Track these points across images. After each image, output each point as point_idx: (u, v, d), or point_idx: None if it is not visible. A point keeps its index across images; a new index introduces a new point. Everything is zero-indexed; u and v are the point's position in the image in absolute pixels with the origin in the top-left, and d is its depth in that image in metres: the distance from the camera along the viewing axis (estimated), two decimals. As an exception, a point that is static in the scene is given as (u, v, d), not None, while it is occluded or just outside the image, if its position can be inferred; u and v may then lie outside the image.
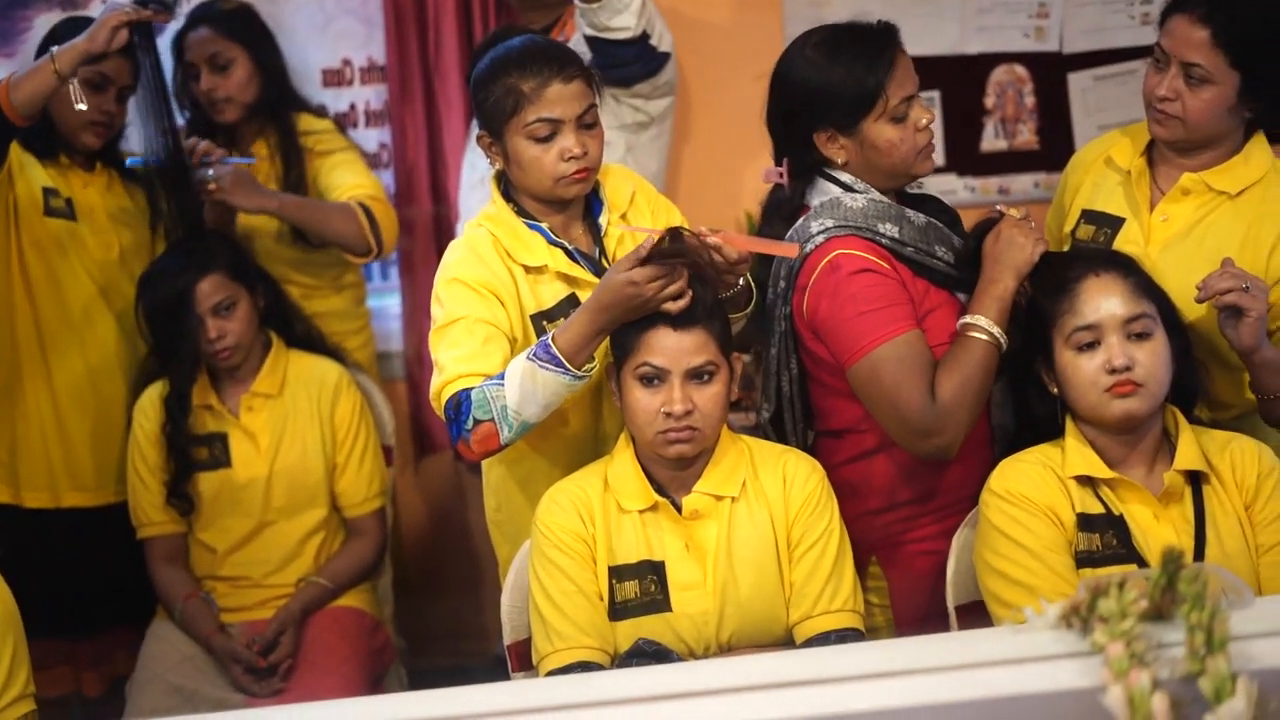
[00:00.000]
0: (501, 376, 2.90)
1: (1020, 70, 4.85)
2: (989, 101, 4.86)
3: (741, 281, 3.04)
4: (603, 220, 3.14)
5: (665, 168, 4.44)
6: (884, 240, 3.01)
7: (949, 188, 4.80)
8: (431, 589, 4.77)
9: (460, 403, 2.92)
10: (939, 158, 4.78)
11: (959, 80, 4.82)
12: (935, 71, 4.70)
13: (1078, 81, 4.82)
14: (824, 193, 3.07)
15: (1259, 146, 3.17)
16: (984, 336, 2.92)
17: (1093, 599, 1.90)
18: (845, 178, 3.07)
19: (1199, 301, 2.94)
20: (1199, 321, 3.07)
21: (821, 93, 3.03)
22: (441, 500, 4.92)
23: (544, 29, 4.12)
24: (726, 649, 2.93)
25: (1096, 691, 1.80)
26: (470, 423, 2.90)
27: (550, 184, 3.03)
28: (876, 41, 3.04)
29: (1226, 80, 3.07)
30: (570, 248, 3.09)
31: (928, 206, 3.16)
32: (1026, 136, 4.87)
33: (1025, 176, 4.83)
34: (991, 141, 4.88)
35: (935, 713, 1.83)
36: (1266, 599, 2.46)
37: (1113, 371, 2.78)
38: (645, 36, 4.06)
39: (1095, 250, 3.02)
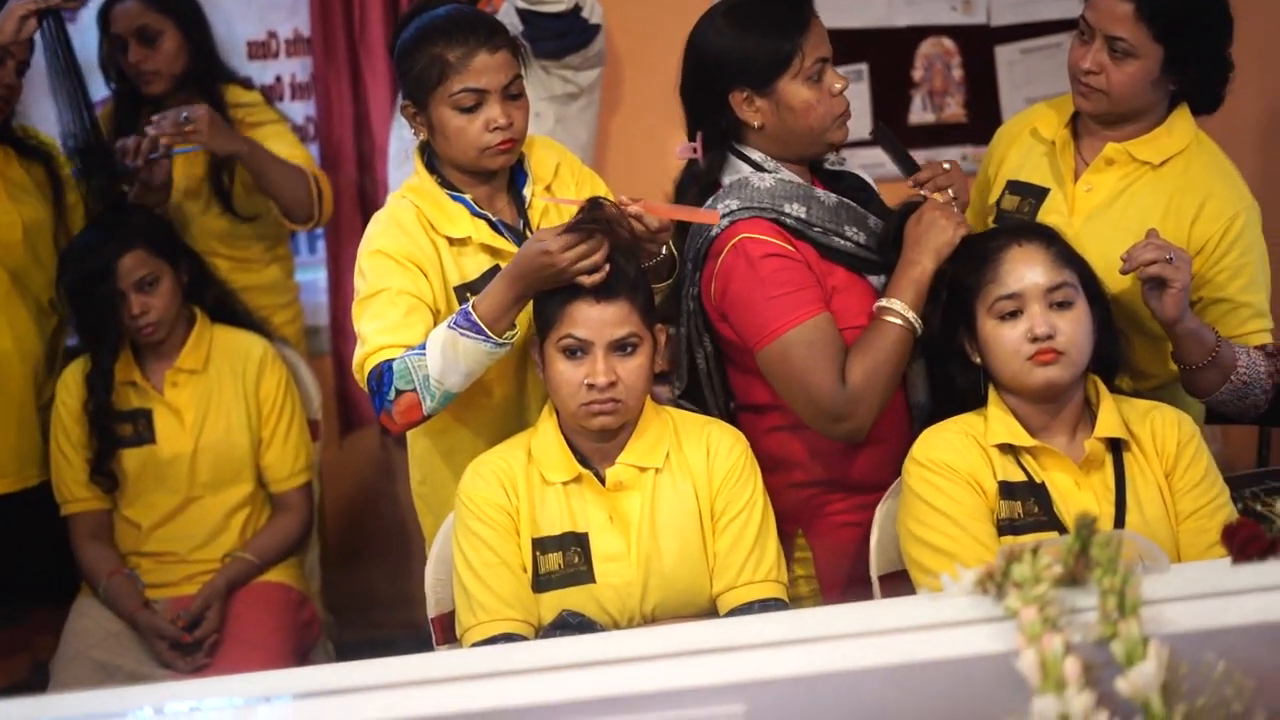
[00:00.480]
0: (423, 347, 2.89)
1: (948, 43, 4.87)
2: (917, 74, 4.88)
3: (664, 251, 3.03)
4: (527, 192, 3.13)
5: (594, 139, 4.43)
6: (789, 221, 3.00)
7: (876, 160, 4.75)
8: (359, 563, 4.76)
9: (382, 374, 2.91)
10: (864, 130, 4.78)
11: (887, 53, 4.84)
12: (863, 44, 4.72)
13: (1005, 54, 4.84)
14: (734, 171, 3.06)
15: (1182, 118, 3.19)
16: (898, 321, 2.92)
17: (1007, 565, 1.90)
18: (756, 155, 3.05)
19: (1124, 273, 2.95)
20: (1122, 292, 3.09)
21: (737, 52, 3.00)
22: (368, 474, 4.91)
23: (471, 0, 4.10)
24: (650, 620, 2.93)
25: (1011, 656, 1.81)
26: (393, 393, 2.89)
27: (475, 155, 3.02)
28: (790, 3, 3.04)
29: (1150, 54, 3.08)
30: (494, 219, 3.07)
31: (844, 183, 3.16)
32: (954, 109, 4.89)
33: (953, 149, 4.84)
34: (919, 114, 4.90)
35: (852, 678, 1.84)
36: (1180, 565, 2.47)
37: (1035, 340, 2.80)
38: (577, 9, 4.05)
39: (1017, 221, 3.03)
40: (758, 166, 3.05)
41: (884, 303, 2.94)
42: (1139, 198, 3.16)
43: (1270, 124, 4.50)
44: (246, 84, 4.45)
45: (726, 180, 3.06)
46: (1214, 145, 3.23)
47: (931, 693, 1.86)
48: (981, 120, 4.78)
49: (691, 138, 3.11)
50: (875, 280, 3.05)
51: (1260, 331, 3.15)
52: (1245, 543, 2.12)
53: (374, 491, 4.91)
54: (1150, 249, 2.92)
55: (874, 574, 3.01)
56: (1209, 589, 1.94)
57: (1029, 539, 2.71)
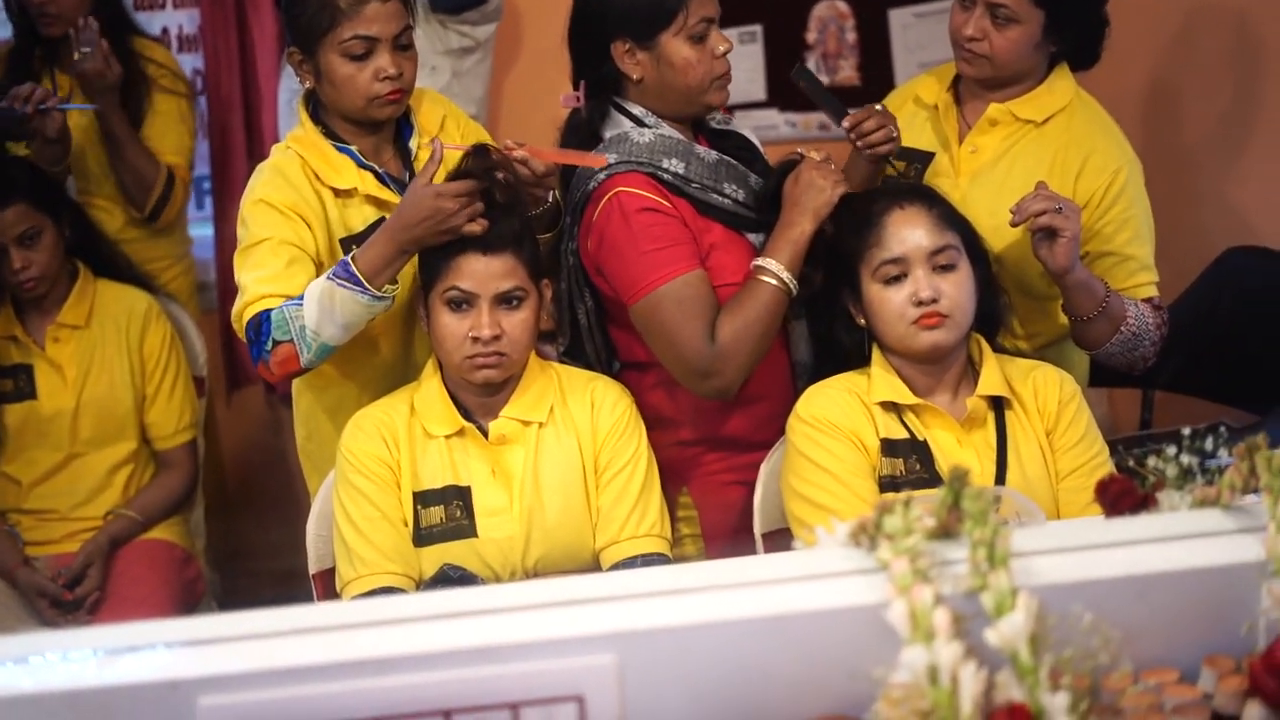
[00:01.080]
0: (303, 298, 2.85)
1: (842, 6, 4.87)
2: (810, 37, 4.88)
3: (550, 199, 3.02)
4: (413, 144, 3.10)
5: (489, 94, 4.40)
6: (666, 176, 2.98)
7: (770, 123, 4.81)
8: (246, 520, 4.70)
9: (261, 323, 2.87)
10: (759, 91, 4.79)
11: (781, 15, 4.83)
12: (757, 6, 4.72)
13: (899, 18, 4.85)
14: (615, 125, 3.04)
15: (1062, 76, 3.22)
16: (773, 281, 2.91)
17: (880, 517, 1.91)
18: (637, 110, 3.03)
19: (1014, 225, 2.97)
20: (1010, 249, 3.11)
21: (622, 2, 2.98)
22: (256, 431, 4.86)
23: None
24: (533, 574, 2.92)
25: (882, 607, 1.81)
26: (270, 344, 2.86)
27: (363, 104, 2.99)
28: None
29: (1031, 18, 3.10)
30: (380, 171, 3.05)
31: (728, 143, 3.14)
32: (848, 73, 4.89)
33: (845, 112, 4.83)
34: (814, 77, 4.88)
35: (723, 629, 1.83)
36: (1055, 521, 2.49)
37: (919, 304, 2.80)
38: None
39: (898, 184, 3.03)
40: (638, 121, 3.03)
41: (759, 262, 2.93)
42: (1023, 156, 3.18)
43: (1153, 90, 4.53)
44: (163, 44, 4.37)
45: (607, 134, 3.04)
46: (1094, 102, 3.27)
47: (804, 644, 1.86)
48: (875, 84, 4.77)
49: (576, 87, 3.09)
50: (754, 238, 3.04)
51: (1147, 284, 3.19)
52: (1117, 497, 2.14)
53: (262, 448, 4.86)
54: (1040, 200, 2.94)
55: (757, 531, 3.01)
56: (1079, 542, 1.95)
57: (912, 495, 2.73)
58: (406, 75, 3.00)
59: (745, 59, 4.79)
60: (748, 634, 1.85)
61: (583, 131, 3.08)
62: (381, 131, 3.07)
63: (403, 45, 2.99)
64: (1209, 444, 2.10)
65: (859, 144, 3.08)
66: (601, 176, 2.98)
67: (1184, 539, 1.97)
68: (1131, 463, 2.26)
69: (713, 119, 3.17)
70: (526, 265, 2.91)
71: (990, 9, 3.10)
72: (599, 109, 3.06)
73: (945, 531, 1.94)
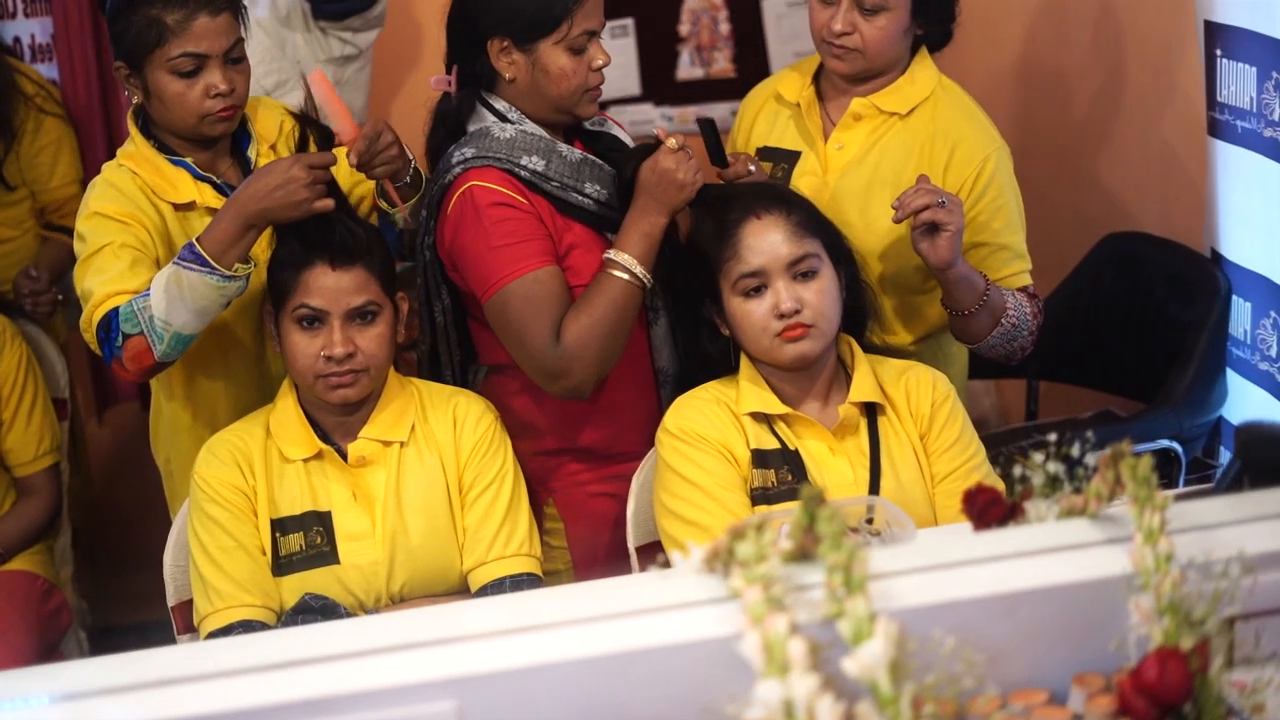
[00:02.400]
0: (150, 291, 2.75)
1: (715, -3, 4.79)
2: (683, 29, 4.80)
3: (412, 167, 2.97)
4: (252, 154, 3.00)
5: (369, 102, 4.28)
6: (524, 173, 2.90)
7: (645, 117, 4.73)
8: (116, 546, 4.56)
9: (109, 321, 2.77)
10: (633, 86, 4.71)
11: (653, 8, 4.75)
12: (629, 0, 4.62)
13: (772, 8, 4.77)
14: (479, 119, 2.96)
15: (923, 65, 3.16)
16: (624, 275, 2.83)
17: (733, 543, 1.82)
18: (501, 105, 2.95)
19: (896, 221, 2.90)
20: (885, 244, 3.06)
21: (507, 2, 2.89)
22: (128, 451, 4.70)
23: None
24: (399, 600, 2.83)
25: (735, 639, 1.72)
26: (120, 339, 2.76)
27: (194, 121, 2.89)
28: None
29: (899, 4, 3.04)
30: (219, 182, 2.95)
31: (600, 144, 3.06)
32: (723, 65, 4.82)
33: (722, 105, 4.75)
34: (687, 70, 4.82)
35: (570, 669, 1.74)
36: (924, 532, 2.42)
37: (781, 316, 2.72)
38: None
39: (756, 188, 2.93)
40: (501, 116, 2.95)
41: (609, 254, 2.85)
42: (890, 149, 3.12)
43: (1029, 71, 4.49)
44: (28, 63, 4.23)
45: (470, 127, 2.96)
46: (958, 88, 3.21)
47: (655, 681, 1.77)
48: (750, 75, 4.66)
49: (449, 70, 3.01)
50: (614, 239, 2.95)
51: (1021, 273, 3.13)
52: (984, 509, 2.07)
53: (137, 466, 4.70)
54: (922, 194, 2.87)
55: (631, 545, 2.93)
56: (942, 560, 1.87)
57: (783, 508, 2.66)
58: (239, 90, 2.90)
59: (618, 53, 4.69)
60: (596, 673, 1.76)
61: (448, 122, 3.00)
62: (217, 144, 2.98)
63: (234, 59, 2.89)
64: (1076, 450, 2.02)
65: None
66: (457, 170, 2.91)
67: (1051, 552, 1.90)
68: (1003, 458, 2.18)
69: (589, 121, 3.08)
70: (379, 278, 2.80)
71: (856, 1, 3.02)
72: (467, 100, 2.98)
73: (803, 554, 1.86)
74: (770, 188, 2.91)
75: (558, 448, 3.02)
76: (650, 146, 2.90)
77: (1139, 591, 1.79)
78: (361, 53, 4.09)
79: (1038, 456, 2.04)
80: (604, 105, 4.61)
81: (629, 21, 4.70)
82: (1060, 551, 1.90)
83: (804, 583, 1.81)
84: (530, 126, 2.94)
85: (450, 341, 3.04)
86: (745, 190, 2.88)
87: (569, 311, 2.83)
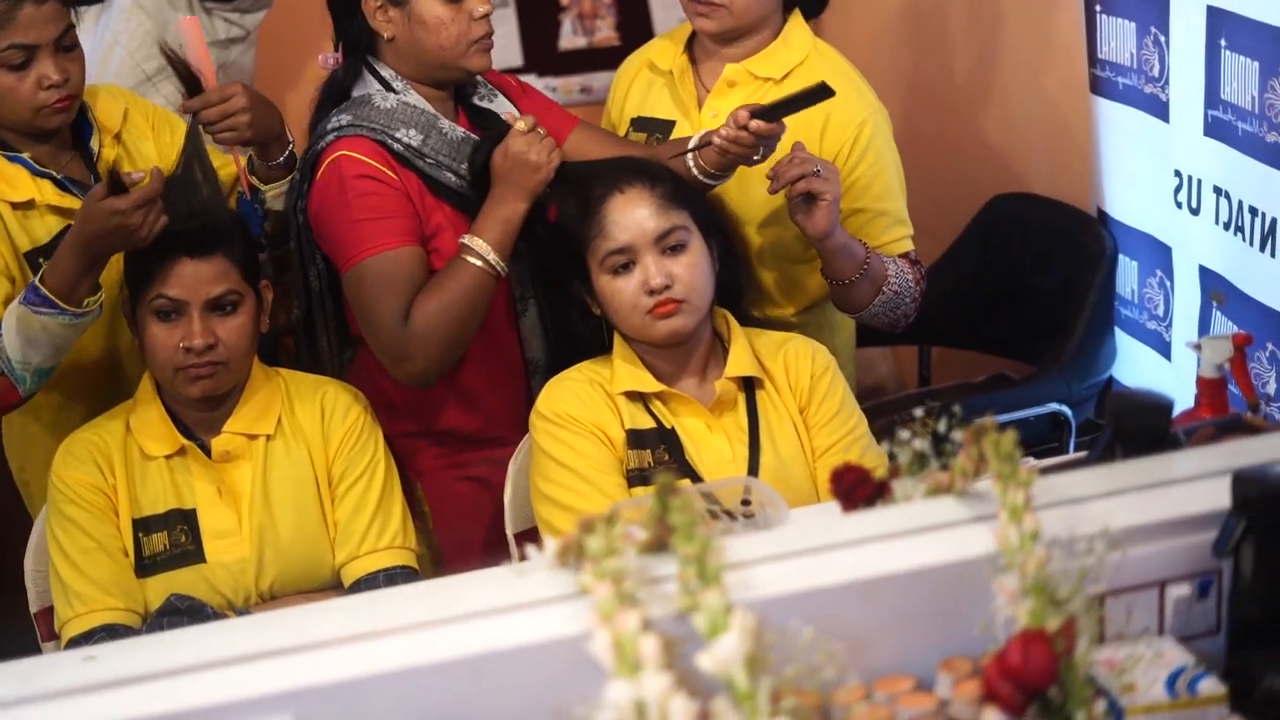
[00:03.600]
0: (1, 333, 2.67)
1: (596, -38, 4.71)
2: (565, -1, 4.72)
3: (289, 151, 2.90)
4: (94, 144, 2.89)
5: (254, 84, 4.16)
6: (398, 146, 2.81)
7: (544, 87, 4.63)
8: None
9: None
10: (515, 58, 4.62)
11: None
12: (497, -36, 4.51)
13: (654, -28, 4.70)
14: (364, 86, 2.88)
15: (797, 27, 3.09)
16: (477, 262, 2.75)
17: (582, 536, 1.75)
18: (386, 73, 2.87)
19: (772, 192, 2.84)
20: (763, 213, 3.01)
21: None
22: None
23: None
24: (269, 598, 2.74)
25: (586, 638, 1.65)
26: None
27: (29, 115, 2.78)
28: None
29: None
30: (59, 177, 2.84)
31: (487, 120, 2.96)
32: (606, 33, 4.74)
33: (607, 74, 4.56)
34: (570, 39, 4.73)
35: (412, 676, 1.66)
36: (795, 511, 2.35)
37: (651, 292, 2.64)
38: None
39: (619, 161, 2.85)
40: (386, 85, 2.86)
41: (464, 240, 2.76)
42: None
43: (907, 30, 4.44)
44: None
45: (355, 93, 2.88)
46: (833, 51, 3.15)
47: (504, 685, 1.69)
48: (635, 43, 4.50)
49: (337, 48, 2.93)
50: None
51: (902, 239, 3.08)
52: (851, 489, 2.01)
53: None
54: (797, 164, 2.80)
55: (509, 532, 2.85)
56: (802, 546, 1.81)
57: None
58: (74, 79, 2.78)
59: (499, 24, 4.52)
60: (442, 679, 1.68)
61: (336, 92, 2.91)
62: (56, 136, 2.86)
63: (66, 47, 2.77)
64: (943, 425, 1.96)
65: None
66: (331, 138, 2.82)
67: (916, 533, 1.84)
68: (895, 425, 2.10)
69: (477, 95, 2.99)
70: (240, 266, 2.71)
71: None
72: (353, 68, 2.90)
73: (659, 544, 1.79)
74: (634, 161, 2.83)
75: (423, 429, 2.95)
76: (500, 133, 2.81)
77: (1004, 571, 1.73)
78: (248, 34, 3.98)
79: (904, 433, 1.98)
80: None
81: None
82: (926, 532, 1.84)
83: (659, 575, 1.74)
84: (414, 98, 2.85)
85: (325, 308, 2.96)
86: (608, 165, 2.80)
87: (419, 295, 2.75)
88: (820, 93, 2.79)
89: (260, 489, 2.74)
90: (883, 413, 3.54)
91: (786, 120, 2.96)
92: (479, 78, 2.96)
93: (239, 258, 2.72)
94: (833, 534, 1.85)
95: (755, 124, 2.75)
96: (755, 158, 2.80)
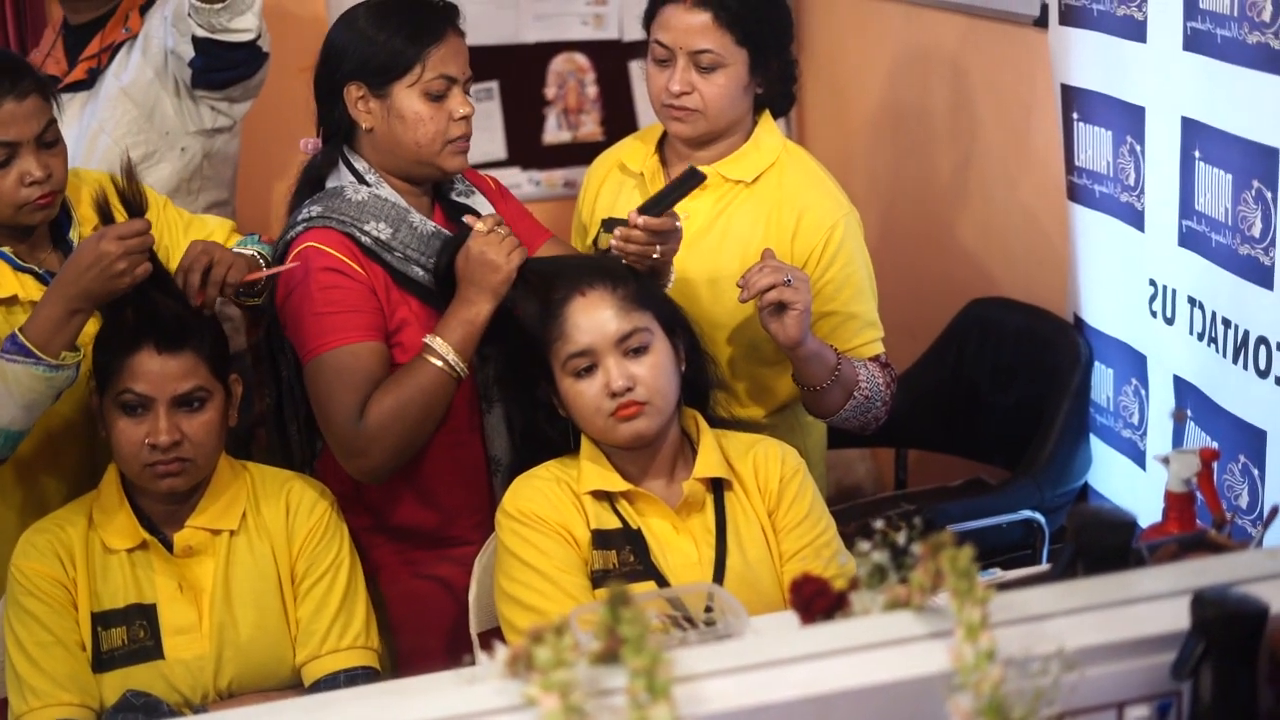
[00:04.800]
0: None
1: (580, 59, 4.74)
2: (550, 92, 4.74)
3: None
4: (73, 236, 2.89)
5: (238, 173, 4.17)
6: (366, 240, 2.82)
7: (513, 182, 4.65)
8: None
9: None
10: (499, 150, 4.64)
11: (518, 70, 4.69)
12: (493, 62, 4.56)
13: (640, 70, 4.71)
14: (338, 177, 2.90)
15: (767, 130, 3.11)
16: (437, 362, 2.74)
17: (532, 646, 1.73)
18: (361, 165, 2.89)
19: (743, 300, 2.83)
20: (735, 315, 3.00)
21: (361, 45, 2.85)
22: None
23: (94, 21, 3.77)
24: (227, 696, 2.71)
25: (532, 752, 1.63)
26: None
27: (11, 211, 2.79)
28: (431, 12, 2.89)
29: (736, 59, 3.00)
30: (41, 272, 2.84)
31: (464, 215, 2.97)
32: (591, 128, 4.76)
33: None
34: (554, 133, 4.75)
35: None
36: (755, 620, 2.33)
37: (614, 395, 2.63)
38: (257, 37, 3.80)
39: (581, 262, 2.85)
40: (360, 177, 2.88)
41: (427, 339, 2.76)
42: (737, 218, 3.05)
43: (888, 132, 4.46)
44: None
45: (329, 184, 2.90)
46: (803, 152, 3.18)
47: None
48: (619, 136, 4.61)
49: (319, 132, 2.96)
50: None
51: (873, 342, 3.07)
52: (810, 600, 1.98)
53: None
54: (767, 273, 2.80)
55: (473, 631, 2.82)
56: (756, 660, 1.78)
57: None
58: (56, 174, 2.80)
59: (483, 117, 4.64)
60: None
61: (312, 178, 2.94)
62: (36, 230, 2.86)
63: (48, 143, 2.79)
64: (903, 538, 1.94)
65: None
66: (300, 228, 2.83)
67: (871, 648, 1.81)
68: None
69: (455, 191, 3.01)
70: (208, 362, 2.70)
71: (693, 59, 2.98)
72: (328, 157, 2.92)
73: (610, 655, 1.77)
74: (596, 262, 2.82)
75: (387, 523, 2.94)
76: (461, 236, 2.82)
77: (959, 690, 1.71)
78: (235, 122, 3.99)
79: (864, 544, 1.96)
80: (472, 170, 4.54)
81: (494, 84, 4.63)
82: (882, 647, 1.81)
83: (609, 687, 1.72)
84: (386, 191, 2.87)
85: (295, 397, 2.95)
86: (570, 266, 2.79)
87: (377, 391, 2.74)
88: (692, 177, 2.82)
89: (222, 585, 2.71)
90: (859, 514, 3.53)
91: (762, 226, 2.98)
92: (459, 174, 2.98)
93: (208, 353, 2.71)
94: (787, 647, 1.82)
95: (643, 220, 2.75)
96: (655, 255, 2.78)
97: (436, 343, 2.74)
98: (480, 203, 3.04)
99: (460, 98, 2.87)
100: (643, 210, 2.77)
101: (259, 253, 2.97)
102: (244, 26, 3.52)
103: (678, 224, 2.81)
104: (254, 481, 2.81)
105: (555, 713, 1.64)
